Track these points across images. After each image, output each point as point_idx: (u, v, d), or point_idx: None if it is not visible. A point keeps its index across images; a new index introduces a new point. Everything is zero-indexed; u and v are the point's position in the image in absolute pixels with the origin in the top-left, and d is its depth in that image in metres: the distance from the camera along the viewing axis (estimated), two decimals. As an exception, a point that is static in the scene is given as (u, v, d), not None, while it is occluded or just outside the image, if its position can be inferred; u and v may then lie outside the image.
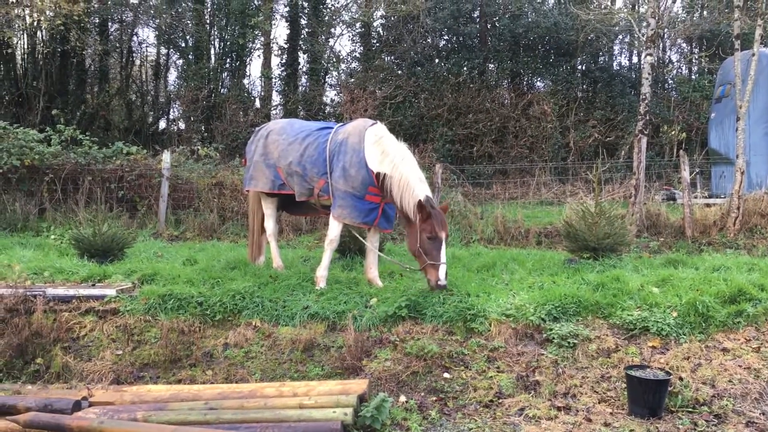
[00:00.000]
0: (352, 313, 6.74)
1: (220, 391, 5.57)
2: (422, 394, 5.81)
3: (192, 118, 22.33)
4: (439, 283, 6.78)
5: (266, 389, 5.50)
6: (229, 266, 8.47)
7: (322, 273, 7.60)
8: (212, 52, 24.29)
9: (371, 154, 7.35)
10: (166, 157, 13.29)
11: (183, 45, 24.61)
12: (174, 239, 12.15)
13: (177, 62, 25.72)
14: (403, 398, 5.68)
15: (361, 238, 8.04)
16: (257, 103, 23.77)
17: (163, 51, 26.17)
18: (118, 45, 24.98)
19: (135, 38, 25.57)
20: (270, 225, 8.40)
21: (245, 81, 24.51)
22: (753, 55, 12.14)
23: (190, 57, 23.73)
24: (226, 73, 24.35)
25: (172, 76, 26.40)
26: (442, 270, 6.84)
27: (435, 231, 6.86)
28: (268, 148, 8.06)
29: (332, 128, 7.92)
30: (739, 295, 6.78)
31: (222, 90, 23.55)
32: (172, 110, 25.63)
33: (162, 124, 25.97)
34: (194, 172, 13.98)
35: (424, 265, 6.95)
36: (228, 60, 24.48)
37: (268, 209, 8.40)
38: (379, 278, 7.76)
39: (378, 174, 7.29)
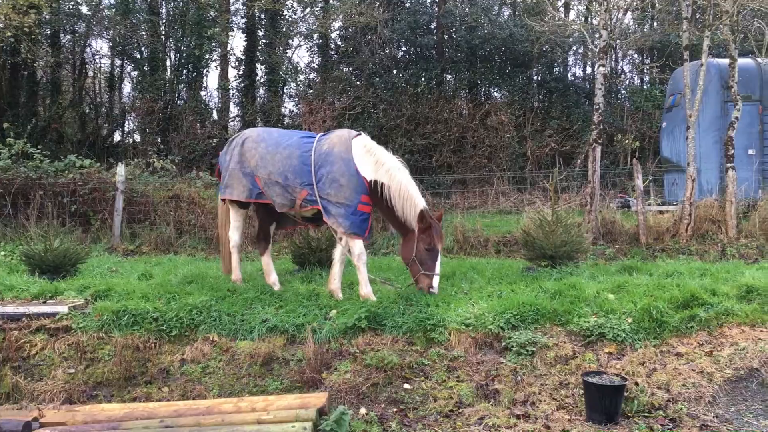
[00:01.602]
0: (312, 325, 6.69)
1: (176, 408, 5.45)
2: (382, 405, 5.78)
3: (148, 130, 21.99)
4: (431, 290, 6.98)
5: (224, 405, 5.40)
6: (186, 280, 8.33)
7: (366, 290, 7.40)
8: (168, 63, 24.05)
9: (363, 163, 7.33)
10: (121, 170, 13.04)
11: (138, 56, 24.27)
12: (129, 254, 11.92)
13: (132, 74, 25.35)
14: (363, 410, 5.64)
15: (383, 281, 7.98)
16: (215, 115, 23.56)
17: (118, 62, 25.77)
18: (70, 56, 24.51)
19: (88, 49, 25.14)
20: (235, 236, 8.20)
21: (202, 92, 24.31)
22: (701, 65, 12.48)
23: (146, 68, 23.41)
24: (182, 85, 24.09)
25: (127, 87, 26.02)
26: (436, 280, 7.08)
27: (434, 242, 7.02)
28: (245, 156, 7.85)
29: (314, 138, 7.81)
30: (692, 300, 6.92)
31: (178, 101, 23.28)
32: (127, 122, 25.23)
33: (117, 137, 25.55)
34: (150, 185, 13.75)
35: (417, 274, 7.08)
36: (184, 71, 24.24)
37: (237, 221, 8.19)
38: (340, 291, 7.68)
39: (372, 182, 7.27)
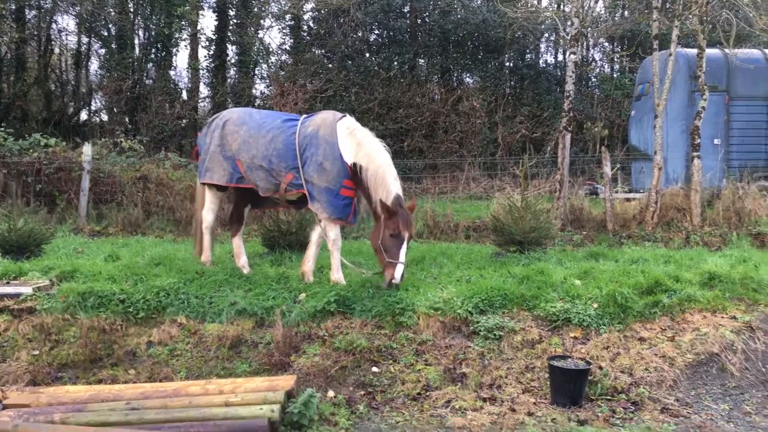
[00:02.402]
0: (281, 308, 6.68)
1: (142, 390, 5.41)
2: (351, 388, 5.81)
3: (115, 110, 21.63)
4: (393, 281, 6.77)
5: (191, 387, 5.38)
6: (154, 262, 8.23)
7: (337, 276, 7.37)
8: (136, 41, 23.59)
9: (346, 146, 7.22)
10: (87, 149, 12.81)
11: (105, 34, 23.75)
12: (96, 235, 11.74)
13: (99, 51, 24.80)
14: (331, 393, 5.66)
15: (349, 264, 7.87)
16: (184, 95, 23.23)
17: (84, 40, 25.18)
18: (35, 33, 23.88)
19: (54, 26, 24.49)
20: (209, 217, 8.05)
21: (171, 72, 23.87)
22: (670, 55, 12.63)
23: (113, 46, 22.93)
24: (151, 64, 23.65)
25: (94, 65, 25.47)
26: (399, 269, 6.79)
27: (399, 229, 6.83)
28: (226, 139, 7.67)
29: (298, 120, 7.66)
30: (656, 287, 7.05)
31: (147, 81, 22.89)
32: (94, 101, 24.73)
33: (83, 116, 25.04)
34: (117, 165, 13.53)
35: (383, 262, 6.92)
36: (153, 50, 23.79)
37: (213, 203, 8.04)
38: (312, 274, 7.63)
39: (354, 165, 7.17)
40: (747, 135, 15.31)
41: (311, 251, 7.67)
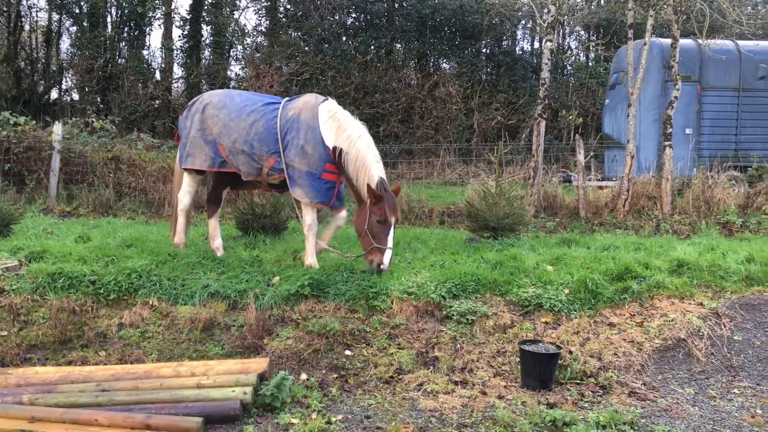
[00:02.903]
0: (254, 291, 6.67)
1: (113, 372, 5.38)
2: (323, 371, 5.82)
3: (87, 89, 21.22)
4: (381, 267, 6.78)
5: (162, 369, 5.36)
6: (126, 244, 8.15)
7: (311, 260, 7.35)
8: (109, 19, 23.16)
9: (327, 129, 7.16)
10: (58, 129, 12.59)
11: (77, 11, 23.27)
12: (66, 215, 11.57)
13: (70, 29, 24.30)
14: (304, 376, 5.67)
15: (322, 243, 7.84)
16: (157, 75, 22.90)
17: (55, 17, 24.64)
18: (5, 9, 23.33)
19: (24, 2, 23.95)
20: (186, 200, 7.94)
21: (145, 52, 23.55)
22: (645, 44, 12.74)
23: (85, 24, 22.48)
24: (123, 43, 23.28)
25: (65, 43, 24.92)
26: (387, 255, 6.83)
27: (385, 215, 6.82)
28: (206, 123, 7.56)
29: (279, 103, 7.57)
30: (626, 273, 7.16)
31: (120, 60, 22.53)
32: (64, 80, 24.25)
33: (54, 94, 24.53)
34: (88, 145, 13.31)
35: (369, 247, 6.90)
36: (126, 29, 23.39)
37: (191, 185, 7.94)
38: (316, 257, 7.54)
39: (334, 149, 7.12)
40: (717, 125, 15.54)
41: (328, 231, 7.76)
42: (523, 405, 5.20)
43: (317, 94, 7.70)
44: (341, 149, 7.10)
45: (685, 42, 14.84)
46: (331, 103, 7.47)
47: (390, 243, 6.85)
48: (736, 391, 5.61)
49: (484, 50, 25.22)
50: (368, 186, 6.85)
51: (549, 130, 21.44)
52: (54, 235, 9.00)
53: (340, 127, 7.18)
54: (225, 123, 7.45)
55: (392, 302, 6.63)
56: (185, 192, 7.96)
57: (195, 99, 8.10)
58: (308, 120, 7.22)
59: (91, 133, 14.34)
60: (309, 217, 7.32)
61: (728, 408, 5.27)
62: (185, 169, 7.84)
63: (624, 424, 4.81)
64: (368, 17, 23.98)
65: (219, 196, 8.19)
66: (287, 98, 7.76)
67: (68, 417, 4.63)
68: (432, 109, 21.74)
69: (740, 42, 15.95)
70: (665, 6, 12.93)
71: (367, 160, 7.03)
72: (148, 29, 23.70)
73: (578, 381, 5.68)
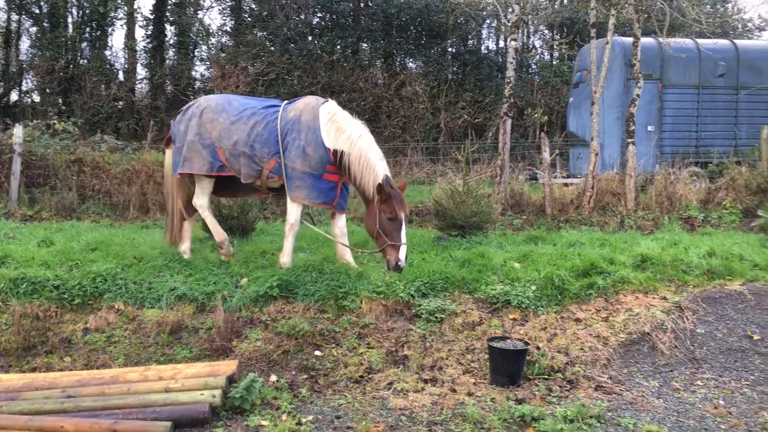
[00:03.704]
0: (222, 293, 6.63)
1: (78, 378, 5.29)
2: (293, 372, 5.80)
3: (48, 90, 20.82)
4: (399, 263, 6.75)
5: (129, 374, 5.29)
6: (90, 247, 8.04)
7: (285, 260, 7.30)
8: (70, 19, 22.74)
9: (326, 132, 7.12)
10: (18, 131, 12.33)
11: (37, 11, 22.82)
12: (28, 219, 11.34)
13: (30, 30, 23.81)
14: (273, 377, 5.65)
15: (313, 227, 7.83)
16: (121, 76, 22.55)
17: (15, 17, 24.12)
18: (-39, 9, 22.81)
19: (-19, 2, 23.42)
20: (204, 200, 7.70)
21: (107, 52, 23.17)
22: (607, 43, 12.93)
23: (45, 24, 22.05)
24: (85, 43, 22.87)
25: (25, 44, 24.41)
26: (403, 250, 6.79)
27: (396, 212, 6.79)
28: (204, 127, 7.42)
29: (279, 106, 7.50)
30: (591, 269, 7.27)
31: (81, 61, 22.13)
32: (25, 81, 23.71)
33: (14, 96, 24.00)
34: (50, 147, 13.04)
35: (384, 245, 6.86)
36: (88, 29, 22.98)
37: (205, 188, 7.71)
38: (352, 261, 7.50)
39: (335, 152, 7.07)
40: (678, 122, 15.85)
41: (340, 246, 7.56)
42: (492, 401, 5.25)
43: (318, 96, 7.66)
44: (342, 151, 7.06)
45: (647, 40, 15.10)
46: (332, 105, 7.44)
47: (404, 239, 6.83)
48: (699, 383, 5.73)
49: (450, 49, 25.32)
50: (378, 185, 6.83)
51: (515, 128, 21.64)
52: (16, 239, 8.82)
53: (339, 129, 7.14)
54: (225, 126, 7.35)
55: (361, 302, 6.65)
56: (200, 194, 7.73)
57: (190, 104, 7.92)
58: (309, 122, 7.18)
59: (52, 135, 14.04)
60: (293, 216, 7.28)
61: (692, 399, 5.39)
62: (181, 174, 7.61)
63: (591, 417, 4.88)
64: (334, 17, 23.93)
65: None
66: (287, 101, 7.68)
67: (33, 424, 4.55)
68: (399, 109, 21.77)
69: (700, 40, 16.28)
70: (627, 5, 13.13)
71: (371, 159, 7.00)
72: (110, 29, 23.35)
73: (546, 376, 5.75)
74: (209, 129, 7.42)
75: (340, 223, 7.56)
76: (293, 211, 7.28)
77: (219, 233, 7.73)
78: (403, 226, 6.87)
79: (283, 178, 7.23)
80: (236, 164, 7.35)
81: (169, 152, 7.94)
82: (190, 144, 7.46)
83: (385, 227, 6.83)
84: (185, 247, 7.85)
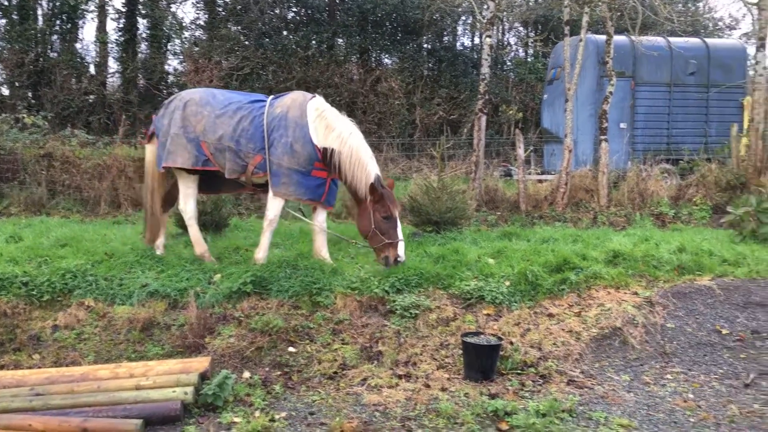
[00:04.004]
0: (195, 289, 6.57)
1: (47, 375, 5.21)
2: (267, 369, 5.77)
3: (17, 84, 20.42)
4: (398, 259, 6.83)
5: (100, 371, 5.22)
6: (60, 243, 7.92)
7: (260, 256, 7.24)
8: (40, 12, 22.30)
9: (315, 129, 7.04)
10: (-14, 125, 12.12)
11: (5, 3, 22.33)
12: (-4, 215, 11.16)
13: (-1, 22, 23.32)
14: (247, 374, 5.61)
15: (304, 219, 7.77)
16: (92, 70, 22.20)
17: (-18, 9, 23.63)
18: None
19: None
20: (191, 206, 7.50)
21: (78, 45, 22.73)
22: (581, 40, 13.04)
23: (14, 17, 21.58)
24: (56, 36, 22.44)
25: (-7, 37, 23.92)
26: (401, 247, 6.87)
27: (390, 211, 6.85)
28: (188, 121, 7.25)
29: (265, 101, 7.37)
30: (564, 264, 7.33)
31: (52, 54, 21.72)
32: (-7, 75, 23.27)
33: (-18, 90, 23.55)
34: (19, 142, 12.82)
35: (380, 244, 6.91)
36: (58, 22, 22.54)
37: (189, 188, 7.50)
38: (329, 257, 7.47)
39: (324, 149, 7.00)
40: (650, 119, 16.04)
41: (318, 240, 7.52)
42: (466, 396, 5.27)
43: (305, 92, 7.56)
44: (333, 149, 7.01)
45: (620, 38, 15.25)
46: (319, 101, 7.35)
47: (400, 235, 6.92)
48: (669, 376, 5.81)
49: (425, 45, 25.33)
50: (371, 185, 6.85)
51: (490, 124, 21.71)
52: (-17, 235, 8.66)
53: (329, 127, 7.08)
54: (210, 120, 7.21)
55: (336, 298, 6.63)
56: (186, 197, 7.50)
57: (172, 97, 7.73)
58: (296, 118, 7.09)
59: (21, 129, 13.80)
60: (273, 212, 7.22)
61: (662, 393, 5.46)
62: (165, 168, 7.42)
63: (563, 411, 4.93)
64: (309, 12, 23.80)
65: (176, 196, 7.79)
66: (273, 96, 7.57)
67: (0, 423, 4.47)
68: (374, 104, 21.75)
69: (671, 39, 16.50)
70: (600, 3, 13.24)
71: (362, 158, 6.98)
72: (81, 22, 22.89)
73: (519, 371, 5.78)
74: (193, 122, 7.27)
75: (320, 218, 7.52)
76: (273, 207, 7.22)
77: (201, 245, 7.55)
78: (398, 223, 6.96)
79: (268, 174, 7.14)
80: (221, 159, 7.23)
81: (150, 148, 7.74)
82: (174, 137, 7.29)
83: (381, 226, 6.90)
84: (160, 242, 7.75)
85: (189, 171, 7.45)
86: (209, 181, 7.73)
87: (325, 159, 7.08)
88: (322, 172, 7.16)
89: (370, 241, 7.12)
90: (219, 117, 7.23)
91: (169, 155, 7.31)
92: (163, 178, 7.72)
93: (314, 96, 7.40)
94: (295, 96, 7.39)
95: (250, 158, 7.15)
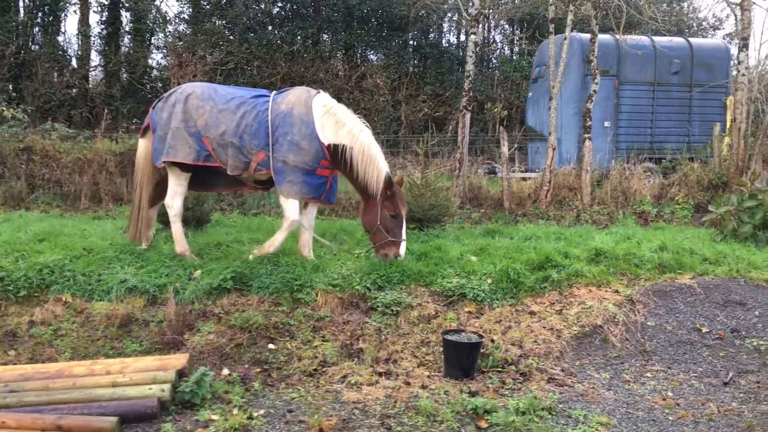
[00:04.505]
0: (174, 285, 6.50)
1: (22, 372, 5.12)
2: (246, 366, 5.72)
3: (-3, 76, 20.17)
4: (398, 258, 6.90)
5: (76, 368, 5.14)
6: (38, 238, 7.80)
7: (270, 250, 7.16)
8: (21, 4, 22.01)
9: (323, 125, 6.95)
10: (-36, 118, 11.94)
11: (-15, -6, 22.06)
12: (-26, 209, 11.00)
13: (-22, 13, 22.98)
14: (226, 371, 5.56)
15: (323, 240, 7.75)
16: (74, 63, 21.96)
17: (-38, 0, 23.29)
18: None
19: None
20: (177, 203, 7.32)
21: (60, 38, 22.46)
22: (565, 39, 13.06)
23: (-5, 8, 21.33)
24: (37, 28, 22.18)
25: (-27, 28, 23.57)
26: (403, 246, 6.94)
27: (398, 209, 6.86)
28: (190, 114, 7.07)
29: (268, 96, 7.25)
30: (546, 262, 7.33)
31: (33, 47, 21.46)
32: (-27, 67, 22.94)
33: (-39, 82, 23.22)
34: (-2, 135, 12.67)
35: (383, 241, 6.93)
36: (40, 14, 22.27)
37: (180, 186, 7.32)
38: (312, 254, 7.42)
39: (332, 146, 6.92)
40: (634, 118, 16.11)
41: (305, 237, 7.45)
42: (446, 394, 5.25)
43: (309, 88, 7.44)
44: (344, 145, 6.94)
45: (604, 37, 15.31)
46: (325, 97, 7.26)
47: (404, 234, 6.98)
48: (649, 374, 5.83)
49: (411, 42, 25.29)
50: (388, 179, 6.86)
51: (475, 122, 21.75)
52: (-41, 229, 8.52)
53: (338, 123, 7.00)
54: (212, 115, 7.06)
55: (317, 294, 6.59)
56: (174, 194, 7.33)
57: (172, 90, 7.53)
58: (302, 115, 6.98)
59: (0, 122, 13.63)
60: (292, 213, 7.08)
61: (641, 391, 5.47)
62: (165, 163, 7.22)
63: (542, 409, 4.92)
64: (294, 6, 23.67)
65: (165, 191, 7.58)
66: (276, 92, 7.43)
67: (-28, 421, 4.39)
68: (360, 101, 21.65)
69: (655, 38, 16.57)
70: (585, 1, 13.27)
71: (374, 155, 6.93)
72: (63, 14, 22.62)
73: (500, 369, 5.77)
74: (195, 116, 7.11)
75: (311, 214, 7.52)
76: (289, 207, 7.07)
77: (182, 244, 7.42)
78: (403, 223, 6.99)
79: (271, 172, 7.03)
80: (223, 155, 7.09)
81: (144, 142, 7.55)
82: (176, 131, 7.10)
83: (387, 224, 6.93)
84: (151, 234, 7.63)
85: (183, 168, 7.29)
86: (204, 177, 7.60)
87: (335, 156, 6.99)
88: (325, 170, 7.09)
89: (373, 237, 7.13)
90: (222, 112, 7.09)
91: (169, 149, 7.12)
92: (153, 173, 7.53)
93: (318, 92, 7.29)
94: (299, 92, 7.25)
95: (253, 155, 7.03)
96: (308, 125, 6.96)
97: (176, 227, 7.42)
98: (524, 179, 14.39)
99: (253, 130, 7.02)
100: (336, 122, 7.02)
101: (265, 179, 7.34)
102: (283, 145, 6.93)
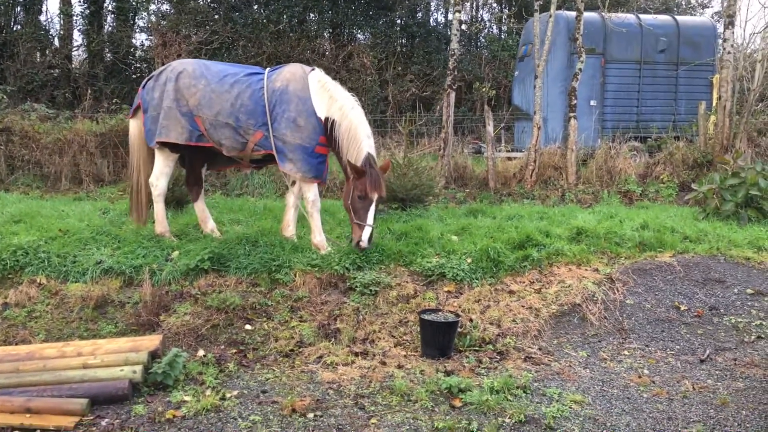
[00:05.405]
0: (150, 267, 6.44)
1: (-8, 354, 5.07)
2: (222, 347, 5.68)
3: (-22, 57, 19.88)
4: (360, 243, 6.60)
5: (47, 350, 5.08)
6: (14, 219, 7.73)
7: (318, 239, 7.05)
8: (1, -18, 21.67)
9: (318, 100, 6.84)
10: (-58, 98, 11.76)
11: (-34, -27, 21.69)
12: (-48, 191, 10.86)
13: (-41, -8, 22.61)
14: (201, 352, 5.52)
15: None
16: (56, 43, 21.65)
17: (-58, -22, 22.89)
18: None
19: None
20: (162, 183, 7.21)
21: (42, 17, 22.14)
22: (551, 16, 12.94)
23: (-25, -13, 20.99)
24: (19, 8, 21.84)
25: (-46, 8, 23.20)
26: (366, 232, 6.60)
27: (366, 191, 6.58)
28: (181, 93, 6.93)
29: (262, 74, 7.10)
30: (527, 241, 7.31)
31: (14, 26, 21.15)
32: (-47, 47, 22.59)
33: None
34: (-23, 116, 12.50)
35: (352, 223, 6.75)
36: (21, -7, 21.94)
37: (167, 167, 7.22)
38: (294, 236, 7.34)
39: (326, 120, 6.81)
40: (620, 97, 16.05)
41: (288, 216, 7.37)
42: (422, 374, 5.23)
43: (302, 64, 7.32)
44: (334, 120, 6.82)
45: (590, 15, 15.19)
46: (320, 73, 7.15)
47: (370, 220, 6.63)
48: (626, 352, 5.82)
49: (398, 21, 25.05)
50: (348, 161, 6.64)
51: (463, 102, 21.66)
52: (-65, 211, 8.41)
53: (332, 98, 6.89)
54: (205, 94, 6.91)
55: (295, 275, 6.55)
56: (161, 174, 7.23)
57: (162, 68, 7.35)
58: (298, 91, 6.87)
59: (-20, 103, 13.45)
60: (311, 193, 7.00)
61: (617, 369, 5.47)
62: (159, 143, 7.10)
63: (517, 388, 4.91)
64: (280, -15, 23.37)
65: (199, 176, 7.63)
66: (269, 68, 7.28)
67: (-61, 404, 4.34)
68: (347, 80, 21.42)
69: (642, 16, 16.47)
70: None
71: (359, 134, 6.76)
72: (45, -7, 22.33)
73: (477, 348, 5.76)
74: (187, 95, 6.97)
75: (298, 192, 7.34)
76: (308, 187, 7.00)
77: (163, 225, 7.34)
78: (372, 207, 6.66)
79: (272, 151, 6.90)
80: (217, 135, 6.96)
81: (135, 122, 7.43)
82: (168, 110, 6.97)
83: (355, 205, 6.67)
84: (212, 226, 7.60)
85: (172, 149, 7.18)
86: (206, 155, 7.50)
87: (329, 131, 6.88)
88: (323, 148, 6.96)
89: (349, 218, 6.97)
90: (215, 91, 6.94)
91: (162, 129, 7.00)
92: (150, 153, 7.37)
93: (313, 69, 7.18)
94: (294, 69, 7.14)
95: (250, 135, 6.91)
96: (305, 101, 6.86)
97: (159, 207, 7.32)
98: (510, 159, 14.33)
99: (249, 110, 6.89)
100: (330, 96, 6.92)
101: (261, 158, 7.24)
102: (282, 123, 6.83)
